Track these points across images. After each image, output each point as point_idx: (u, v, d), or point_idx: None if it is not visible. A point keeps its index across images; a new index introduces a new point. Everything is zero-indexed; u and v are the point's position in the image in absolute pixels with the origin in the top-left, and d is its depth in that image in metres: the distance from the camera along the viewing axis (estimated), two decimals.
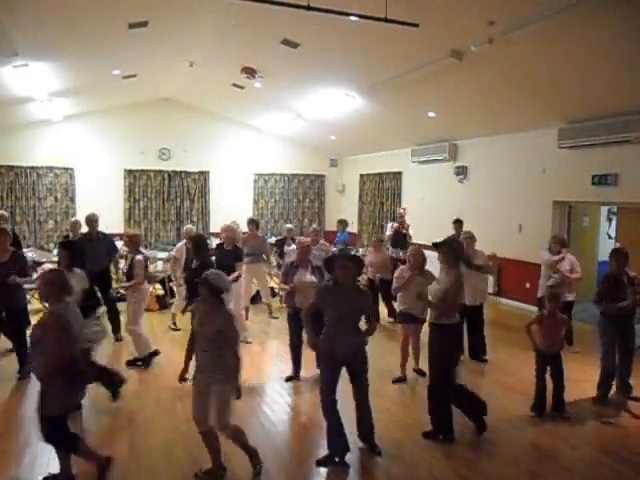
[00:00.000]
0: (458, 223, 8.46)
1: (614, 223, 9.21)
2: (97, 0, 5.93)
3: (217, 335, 3.59)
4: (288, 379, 5.72)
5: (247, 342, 6.84)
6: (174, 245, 10.72)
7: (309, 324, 4.30)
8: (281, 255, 8.23)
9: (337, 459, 3.94)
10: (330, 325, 4.02)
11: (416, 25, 5.02)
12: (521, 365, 6.23)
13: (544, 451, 4.23)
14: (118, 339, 6.94)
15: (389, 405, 5.07)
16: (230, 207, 13.21)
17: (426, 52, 6.68)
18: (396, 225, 9.34)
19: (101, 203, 12.66)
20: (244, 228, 8.57)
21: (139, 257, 5.98)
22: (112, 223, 12.27)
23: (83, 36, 7.03)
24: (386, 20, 4.81)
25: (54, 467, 3.74)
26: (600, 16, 5.03)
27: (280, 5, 4.54)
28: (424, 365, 5.85)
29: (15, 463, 3.93)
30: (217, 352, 3.61)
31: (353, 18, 4.99)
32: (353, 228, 14.45)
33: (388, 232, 9.58)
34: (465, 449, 4.24)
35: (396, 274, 5.84)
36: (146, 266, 6.14)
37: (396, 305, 6.29)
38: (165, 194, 13.54)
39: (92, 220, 7.18)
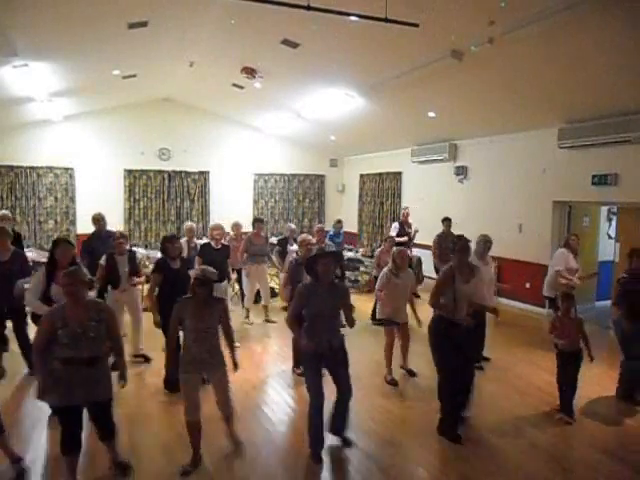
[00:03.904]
0: (447, 221, 9.21)
1: (614, 223, 9.20)
2: (97, 0, 5.94)
3: (218, 322, 3.91)
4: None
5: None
6: None
7: (296, 327, 4.14)
8: (282, 254, 8.22)
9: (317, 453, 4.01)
10: (309, 323, 4.03)
11: (416, 25, 5.03)
12: (520, 363, 6.27)
13: (544, 451, 4.22)
14: None
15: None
16: (230, 207, 13.22)
17: (426, 52, 6.69)
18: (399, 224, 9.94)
19: (101, 203, 12.63)
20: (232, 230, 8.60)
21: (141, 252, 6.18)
22: (112, 223, 12.30)
23: (83, 36, 7.02)
24: (386, 20, 4.82)
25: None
26: (600, 16, 5.03)
27: (280, 5, 4.54)
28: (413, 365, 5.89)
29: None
30: (214, 340, 3.88)
31: (353, 18, 4.99)
32: (353, 228, 14.46)
33: (393, 232, 9.75)
34: (465, 449, 4.24)
35: (381, 274, 5.83)
36: None
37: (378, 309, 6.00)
38: (165, 194, 13.53)
39: (98, 219, 7.45)
